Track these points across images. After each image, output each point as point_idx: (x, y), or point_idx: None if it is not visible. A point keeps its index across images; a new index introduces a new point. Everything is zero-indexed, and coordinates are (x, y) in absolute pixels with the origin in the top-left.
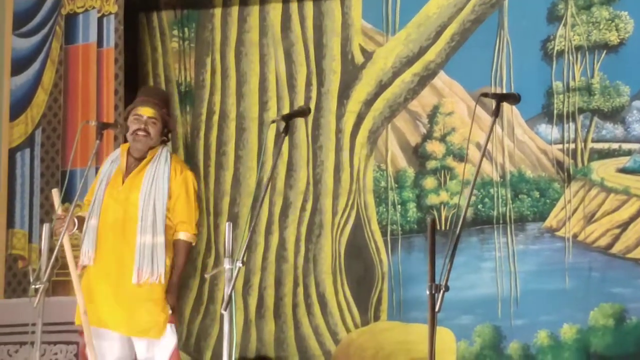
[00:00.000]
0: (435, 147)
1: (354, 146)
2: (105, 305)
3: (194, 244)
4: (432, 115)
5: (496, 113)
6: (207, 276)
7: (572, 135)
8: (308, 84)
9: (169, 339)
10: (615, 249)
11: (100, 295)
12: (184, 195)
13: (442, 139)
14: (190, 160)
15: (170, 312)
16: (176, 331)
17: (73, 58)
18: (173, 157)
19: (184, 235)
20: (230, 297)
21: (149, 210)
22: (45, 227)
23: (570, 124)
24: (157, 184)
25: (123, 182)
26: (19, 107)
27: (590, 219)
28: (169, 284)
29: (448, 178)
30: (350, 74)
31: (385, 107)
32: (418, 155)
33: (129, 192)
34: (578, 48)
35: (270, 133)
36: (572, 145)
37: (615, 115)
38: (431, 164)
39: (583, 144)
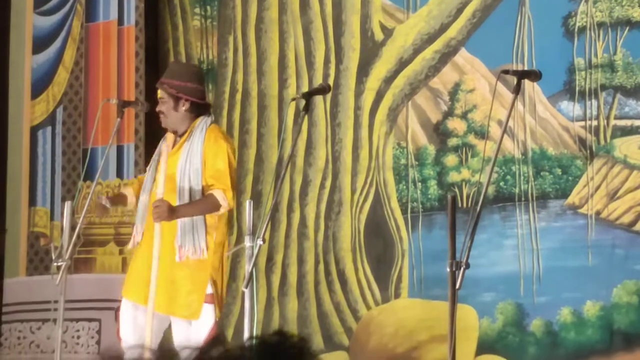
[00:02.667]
0: (456, 125)
1: (373, 124)
2: (145, 283)
3: (224, 207)
4: (453, 93)
5: (517, 90)
6: (227, 254)
7: (594, 112)
8: (327, 61)
9: (206, 319)
10: (639, 226)
11: (141, 273)
12: (216, 163)
13: (464, 116)
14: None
15: (210, 291)
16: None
17: (94, 36)
18: (211, 127)
19: (217, 192)
20: (251, 274)
21: (185, 186)
22: (67, 205)
23: (593, 100)
24: (192, 158)
25: (165, 161)
26: (40, 85)
27: (613, 196)
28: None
29: (469, 155)
30: (370, 51)
31: (406, 84)
32: (439, 133)
33: (169, 169)
34: (600, 24)
35: (290, 111)
36: (595, 122)
37: (638, 92)
38: (452, 142)
39: (606, 120)
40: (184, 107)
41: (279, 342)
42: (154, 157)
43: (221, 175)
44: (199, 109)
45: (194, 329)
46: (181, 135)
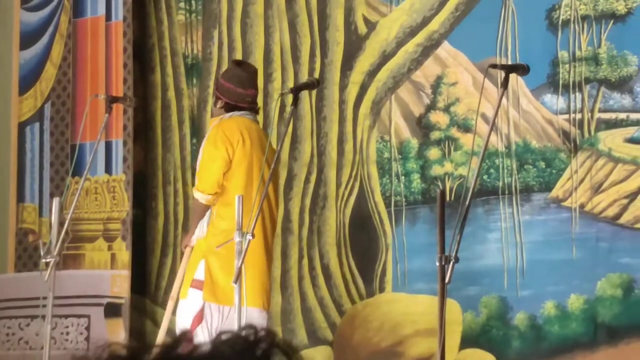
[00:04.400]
0: (439, 118)
1: (357, 117)
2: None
3: (202, 199)
4: (436, 86)
5: (505, 84)
6: (217, 249)
7: (578, 105)
8: (312, 55)
9: (192, 302)
10: (623, 219)
11: None
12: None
13: (446, 109)
14: (197, 134)
15: (200, 277)
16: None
17: (81, 32)
18: (221, 120)
19: (194, 193)
20: (240, 269)
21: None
22: (55, 201)
23: (577, 93)
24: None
25: None
26: (28, 81)
27: (597, 189)
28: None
29: (452, 149)
30: (354, 45)
31: (389, 77)
32: (422, 126)
33: None
34: (584, 17)
35: (277, 105)
36: (579, 115)
37: (622, 85)
38: (435, 135)
39: (590, 114)
40: (219, 104)
41: (248, 336)
42: None
43: (200, 170)
44: (233, 109)
45: (180, 308)
46: None
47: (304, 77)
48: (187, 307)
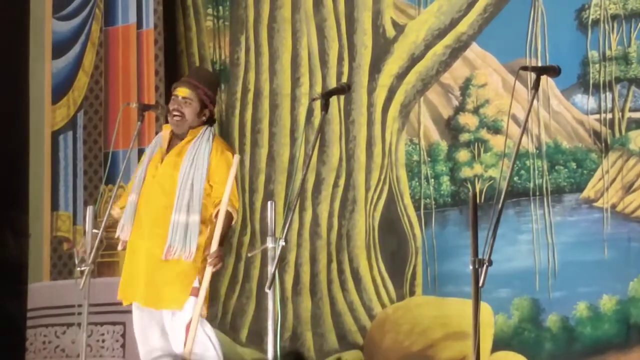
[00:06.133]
0: (468, 120)
1: (385, 120)
2: (136, 280)
3: (235, 218)
4: (465, 88)
5: (537, 86)
6: (250, 255)
7: (609, 105)
8: (340, 58)
9: (189, 310)
10: None
11: (133, 270)
12: (224, 174)
13: (475, 111)
14: (226, 139)
15: (197, 285)
16: (207, 304)
17: (113, 40)
18: (216, 137)
19: (231, 209)
20: (274, 275)
21: (186, 190)
22: (89, 209)
23: (607, 93)
24: (197, 163)
25: (162, 160)
26: (60, 90)
27: (628, 189)
28: (210, 255)
29: (482, 150)
30: (382, 48)
31: (417, 80)
32: (451, 128)
33: (167, 170)
34: (614, 17)
35: (303, 110)
36: (609, 115)
37: None
38: (464, 137)
39: (620, 113)
40: (205, 116)
41: None
42: (147, 155)
43: (233, 189)
44: (210, 119)
45: (176, 320)
46: (181, 138)
47: (332, 81)
48: (181, 316)
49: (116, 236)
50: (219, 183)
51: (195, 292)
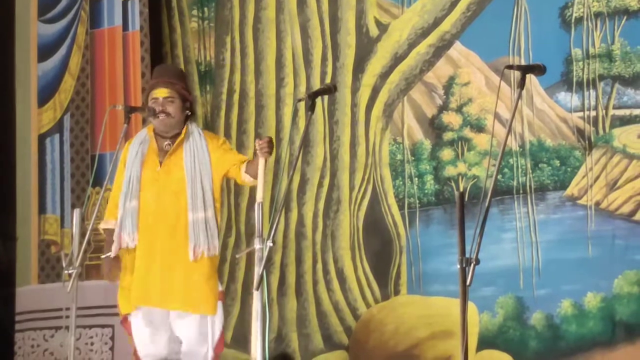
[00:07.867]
0: (451, 119)
1: (369, 120)
2: (154, 284)
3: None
4: (448, 87)
5: (522, 85)
6: (238, 257)
7: (592, 103)
8: (324, 58)
9: (220, 315)
10: (639, 216)
11: (148, 275)
12: (227, 153)
13: (459, 109)
14: None
15: (221, 289)
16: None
17: (99, 42)
18: (205, 131)
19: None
20: (261, 276)
21: (197, 187)
22: (76, 212)
23: (591, 91)
24: (199, 159)
25: (160, 163)
26: (46, 93)
27: (612, 186)
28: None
29: (466, 149)
30: (365, 48)
31: (401, 79)
32: (434, 127)
33: (170, 171)
34: (597, 14)
35: (288, 110)
36: (593, 113)
37: (636, 81)
38: (448, 136)
39: (604, 111)
40: (187, 109)
41: None
42: (132, 160)
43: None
44: (191, 111)
45: (211, 324)
46: (169, 138)
47: (316, 81)
48: (216, 320)
49: (117, 247)
50: (225, 155)
51: (222, 297)
